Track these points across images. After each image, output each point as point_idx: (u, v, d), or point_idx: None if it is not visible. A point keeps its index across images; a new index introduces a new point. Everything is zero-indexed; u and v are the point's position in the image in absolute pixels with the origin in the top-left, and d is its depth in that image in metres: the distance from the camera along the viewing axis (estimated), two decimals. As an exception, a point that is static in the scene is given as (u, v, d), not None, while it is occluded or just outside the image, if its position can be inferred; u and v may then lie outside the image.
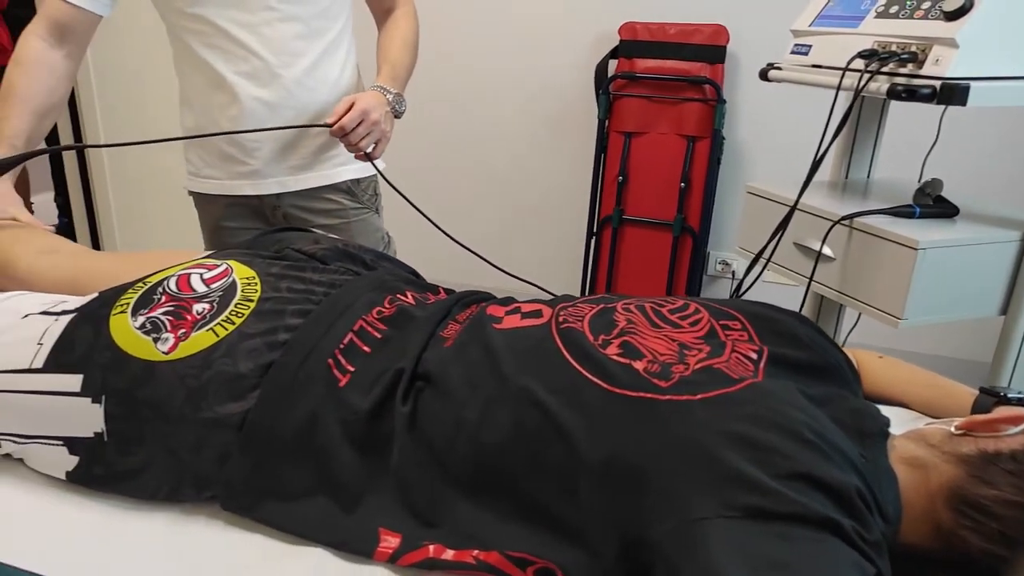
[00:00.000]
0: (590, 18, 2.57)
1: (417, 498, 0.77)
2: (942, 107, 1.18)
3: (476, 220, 2.84)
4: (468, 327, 0.87)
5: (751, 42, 2.41)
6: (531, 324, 0.85)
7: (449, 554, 0.73)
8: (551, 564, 0.70)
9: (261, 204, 1.37)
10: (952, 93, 1.11)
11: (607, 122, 2.52)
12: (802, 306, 1.36)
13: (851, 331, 1.64)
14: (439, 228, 1.34)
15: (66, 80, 1.21)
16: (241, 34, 1.22)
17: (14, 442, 0.83)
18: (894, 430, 0.79)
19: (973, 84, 1.10)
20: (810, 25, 1.41)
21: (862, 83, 1.20)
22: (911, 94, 1.14)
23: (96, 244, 2.84)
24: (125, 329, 0.82)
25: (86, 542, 0.77)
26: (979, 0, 1.11)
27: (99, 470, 0.80)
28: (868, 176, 1.62)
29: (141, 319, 0.82)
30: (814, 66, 1.37)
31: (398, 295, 0.95)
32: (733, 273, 2.66)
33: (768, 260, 1.35)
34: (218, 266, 0.91)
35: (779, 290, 1.66)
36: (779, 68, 1.45)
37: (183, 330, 0.82)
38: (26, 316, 0.87)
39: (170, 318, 0.83)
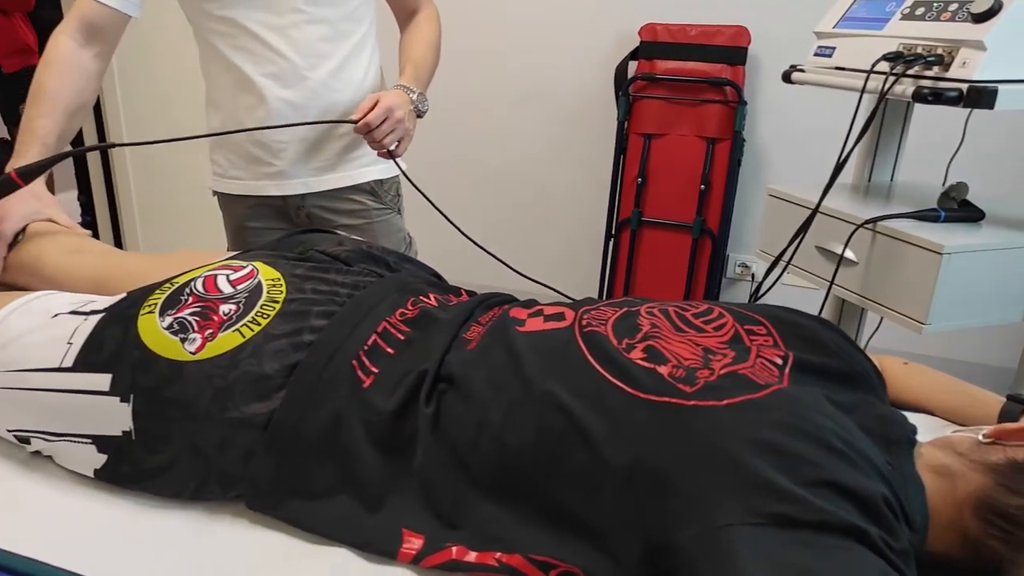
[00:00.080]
0: (610, 19, 2.56)
1: (440, 499, 0.77)
2: (968, 110, 1.17)
3: (493, 220, 2.85)
4: (491, 329, 0.87)
5: (772, 43, 2.40)
6: (554, 327, 0.85)
7: (472, 556, 0.73)
8: (574, 568, 0.70)
9: (285, 204, 1.38)
10: (979, 96, 1.10)
11: (626, 123, 2.51)
12: (821, 309, 1.35)
13: (872, 335, 1.63)
14: (459, 229, 1.34)
15: (95, 79, 1.22)
16: (269, 36, 1.23)
17: (44, 439, 0.84)
18: (921, 437, 0.79)
19: (1001, 87, 1.09)
20: (834, 27, 1.40)
21: (887, 86, 1.19)
22: (937, 97, 1.13)
23: (119, 243, 2.86)
24: (153, 329, 0.83)
25: (113, 539, 0.78)
26: (1008, 2, 1.10)
27: (127, 468, 0.81)
28: (891, 179, 1.61)
29: (169, 319, 0.83)
30: (837, 68, 1.37)
31: (421, 297, 0.95)
32: (753, 276, 2.65)
33: (788, 263, 1.34)
34: (244, 267, 0.91)
35: (799, 293, 1.65)
36: (802, 70, 1.45)
37: (210, 330, 0.82)
38: (55, 316, 0.88)
39: (197, 319, 0.83)
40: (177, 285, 0.88)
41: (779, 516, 0.61)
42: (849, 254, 1.30)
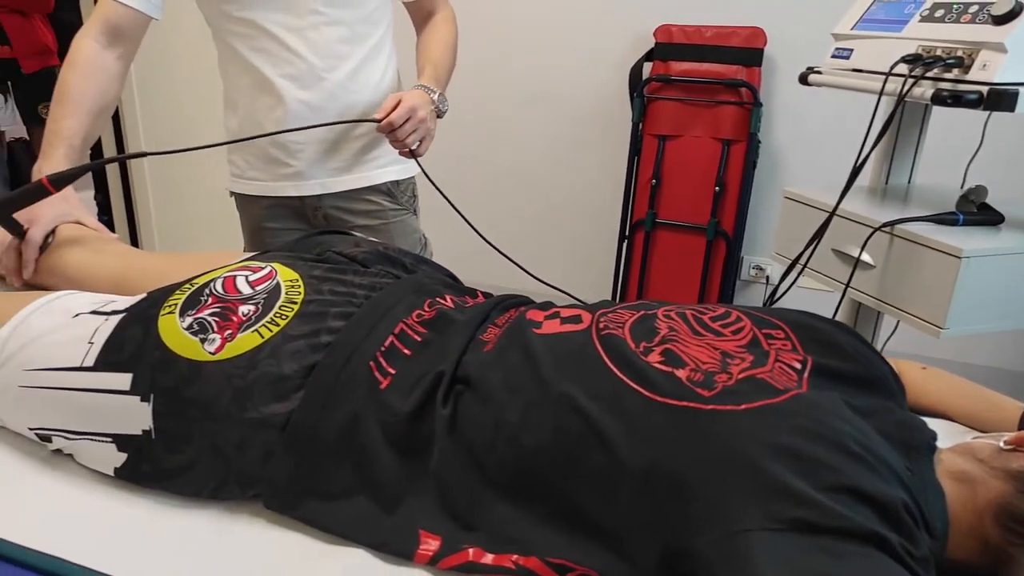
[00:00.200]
0: (625, 21, 2.56)
1: (457, 500, 0.77)
2: (987, 112, 1.16)
3: (507, 222, 2.85)
4: (508, 331, 0.87)
5: (788, 45, 2.39)
6: (571, 329, 0.85)
7: (488, 558, 0.73)
8: (591, 571, 0.70)
9: (302, 205, 1.39)
10: (1000, 99, 1.09)
11: (641, 125, 2.51)
12: (836, 312, 1.34)
13: (888, 339, 1.62)
14: (476, 231, 1.35)
15: (118, 81, 1.24)
16: (288, 37, 1.24)
17: (64, 438, 0.85)
18: (940, 443, 0.78)
19: (1022, 89, 1.08)
20: (852, 29, 1.40)
21: (906, 88, 1.19)
22: (957, 100, 1.12)
23: (135, 241, 2.89)
24: (173, 329, 0.83)
25: (134, 537, 0.78)
26: (1029, 4, 1.09)
27: (146, 467, 0.82)
28: (909, 182, 1.60)
29: (189, 320, 0.84)
30: (855, 70, 1.36)
31: (437, 299, 0.95)
32: (767, 278, 2.64)
33: (804, 266, 1.33)
34: (263, 268, 0.92)
35: (813, 296, 1.64)
36: (819, 72, 1.44)
37: (229, 331, 0.83)
38: (76, 315, 0.89)
39: (217, 319, 0.84)
40: (197, 286, 0.89)
41: (798, 521, 0.61)
42: (866, 257, 1.30)
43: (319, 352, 0.83)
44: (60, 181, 1.08)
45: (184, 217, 2.85)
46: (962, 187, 1.35)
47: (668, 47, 2.45)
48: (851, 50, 1.38)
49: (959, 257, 1.15)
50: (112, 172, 2.86)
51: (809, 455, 0.65)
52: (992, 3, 1.13)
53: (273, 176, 1.35)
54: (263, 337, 0.83)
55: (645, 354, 0.78)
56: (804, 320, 0.86)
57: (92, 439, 0.83)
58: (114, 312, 0.88)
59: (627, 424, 0.72)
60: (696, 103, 2.42)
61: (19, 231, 1.10)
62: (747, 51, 2.37)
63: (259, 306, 0.86)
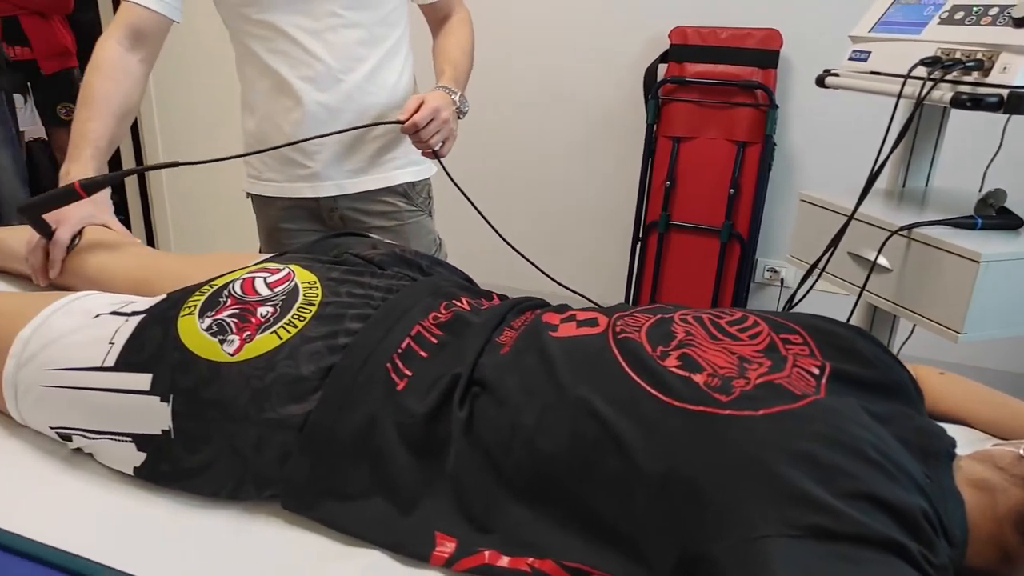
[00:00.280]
0: (640, 22, 2.55)
1: (473, 503, 0.77)
2: (1007, 116, 1.15)
3: (520, 223, 2.83)
4: (524, 334, 0.87)
5: (804, 47, 2.38)
6: (587, 333, 0.85)
7: (504, 561, 0.73)
8: (607, 575, 0.70)
9: (319, 206, 1.39)
10: (1021, 102, 1.08)
11: (655, 126, 2.50)
12: (851, 316, 1.34)
13: (904, 343, 1.61)
14: (497, 232, 1.35)
15: (141, 83, 1.25)
16: (306, 40, 1.25)
17: (85, 437, 0.86)
18: (959, 450, 0.78)
19: (1043, 93, 1.07)
20: (870, 31, 1.39)
21: (924, 91, 1.18)
22: (977, 103, 1.12)
23: (151, 241, 2.91)
24: (193, 331, 0.84)
25: (152, 536, 0.79)
26: (1051, 7, 1.08)
27: (165, 467, 0.82)
28: (926, 185, 1.59)
29: (208, 321, 0.85)
30: (873, 73, 1.35)
31: (454, 301, 0.96)
32: (782, 281, 2.63)
33: (822, 270, 1.33)
34: (281, 270, 0.93)
35: (828, 299, 1.63)
36: (836, 74, 1.43)
37: (248, 332, 0.84)
38: (97, 316, 0.89)
39: (236, 320, 0.85)
40: (216, 287, 0.89)
41: (816, 528, 0.61)
42: (882, 261, 1.29)
43: (337, 354, 0.84)
44: (92, 187, 1.09)
45: (200, 217, 2.87)
46: (980, 191, 1.34)
47: (683, 49, 2.44)
48: (869, 52, 1.37)
49: (977, 262, 1.14)
50: (129, 172, 2.88)
51: (827, 461, 0.64)
52: (1013, 5, 1.12)
53: (290, 177, 1.36)
54: (281, 338, 0.83)
55: (662, 358, 0.78)
56: (822, 325, 0.85)
57: (112, 439, 0.84)
58: (134, 313, 0.88)
59: (644, 429, 0.72)
60: (711, 105, 2.41)
61: (47, 231, 1.11)
62: (763, 53, 2.36)
63: (277, 308, 0.87)
